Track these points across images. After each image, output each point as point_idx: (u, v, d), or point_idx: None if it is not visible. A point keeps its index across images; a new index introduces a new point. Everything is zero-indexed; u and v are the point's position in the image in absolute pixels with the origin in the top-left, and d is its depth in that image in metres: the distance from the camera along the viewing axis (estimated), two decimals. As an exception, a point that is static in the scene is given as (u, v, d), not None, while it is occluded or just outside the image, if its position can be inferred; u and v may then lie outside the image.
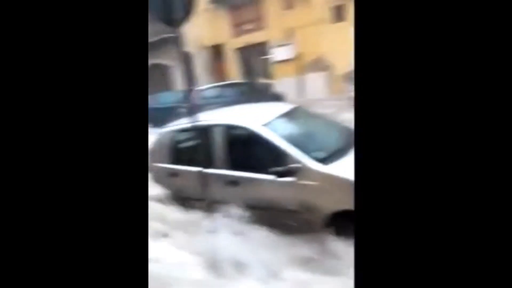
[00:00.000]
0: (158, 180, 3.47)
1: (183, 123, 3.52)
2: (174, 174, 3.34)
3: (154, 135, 3.81)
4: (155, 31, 14.28)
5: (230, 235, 2.51)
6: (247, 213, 2.58)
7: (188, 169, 3.18)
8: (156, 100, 11.82)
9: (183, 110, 9.60)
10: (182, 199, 3.22)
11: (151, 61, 15.77)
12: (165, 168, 3.41)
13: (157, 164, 3.48)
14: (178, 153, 3.45)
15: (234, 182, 2.81)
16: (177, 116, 7.99)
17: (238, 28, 12.34)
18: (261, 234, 2.51)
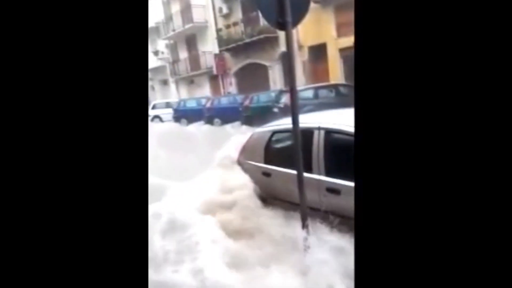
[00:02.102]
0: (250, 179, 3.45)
1: (280, 123, 3.46)
2: (266, 173, 3.29)
3: (249, 133, 3.87)
4: (256, 31, 14.80)
5: (326, 245, 2.33)
6: (346, 223, 2.37)
7: (282, 171, 3.07)
8: (252, 99, 12.26)
9: (278, 110, 9.77)
10: (272, 199, 3.14)
11: (248, 60, 16.49)
12: (258, 166, 3.38)
13: (250, 162, 3.49)
14: (273, 153, 3.38)
15: (334, 190, 2.60)
16: (273, 115, 8.07)
17: (345, 28, 11.92)
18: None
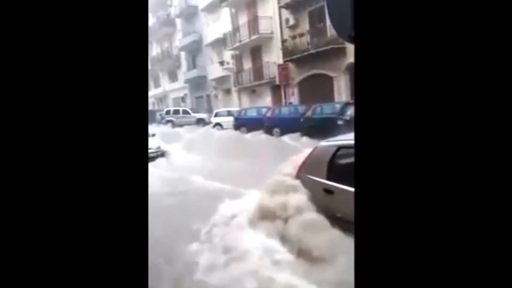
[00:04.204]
0: (309, 195, 3.26)
1: (347, 138, 3.21)
2: (328, 190, 3.06)
3: (311, 147, 3.68)
4: (323, 41, 14.56)
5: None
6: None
7: (347, 189, 2.81)
8: (314, 110, 11.98)
9: (343, 122, 9.36)
10: (334, 219, 2.93)
11: (313, 71, 16.24)
12: (319, 182, 3.17)
13: (310, 177, 3.29)
14: (337, 169, 3.14)
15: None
16: (337, 128, 7.73)
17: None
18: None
